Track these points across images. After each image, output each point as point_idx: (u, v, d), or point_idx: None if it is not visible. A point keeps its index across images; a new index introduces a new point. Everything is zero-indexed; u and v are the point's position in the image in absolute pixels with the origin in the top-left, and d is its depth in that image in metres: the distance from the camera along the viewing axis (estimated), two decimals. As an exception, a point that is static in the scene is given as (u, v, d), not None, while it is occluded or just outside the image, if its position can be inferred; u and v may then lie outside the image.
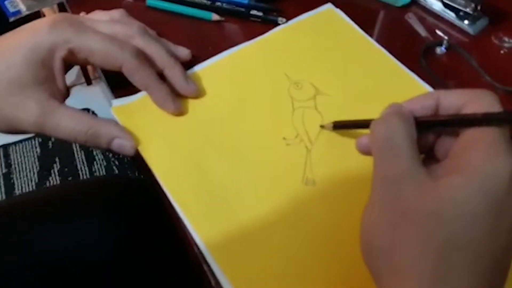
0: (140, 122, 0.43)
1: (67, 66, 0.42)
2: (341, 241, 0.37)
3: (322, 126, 0.43)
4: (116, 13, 0.46)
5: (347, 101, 0.46)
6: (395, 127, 0.31)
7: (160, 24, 0.51)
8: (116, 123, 0.42)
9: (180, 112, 0.44)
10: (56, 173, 1.46)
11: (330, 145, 0.42)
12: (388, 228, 0.28)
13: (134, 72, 0.41)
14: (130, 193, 0.62)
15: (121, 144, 0.41)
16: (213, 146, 0.42)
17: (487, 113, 0.29)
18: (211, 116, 0.44)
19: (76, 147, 1.51)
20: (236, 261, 0.36)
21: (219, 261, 0.36)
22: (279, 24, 0.52)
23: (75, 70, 1.68)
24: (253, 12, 0.52)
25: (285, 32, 0.51)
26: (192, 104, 0.45)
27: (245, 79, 0.47)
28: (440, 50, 0.52)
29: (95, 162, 1.47)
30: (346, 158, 0.41)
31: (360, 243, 0.31)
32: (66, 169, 1.47)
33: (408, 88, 0.47)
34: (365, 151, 0.35)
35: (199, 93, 0.45)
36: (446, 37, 0.53)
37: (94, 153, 1.49)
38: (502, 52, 0.52)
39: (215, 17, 0.52)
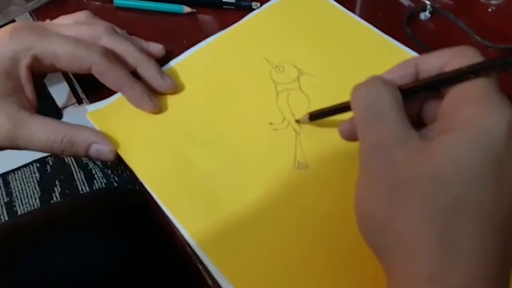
0: (118, 125, 0.41)
1: (36, 74, 0.40)
2: (340, 222, 0.35)
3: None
4: (81, 15, 0.44)
5: (332, 78, 0.43)
6: (379, 91, 0.28)
7: (130, 23, 0.49)
8: (92, 129, 0.40)
9: (158, 109, 0.41)
10: (58, 196, 1.45)
11: (319, 125, 0.40)
12: (384, 198, 0.26)
13: (104, 72, 0.39)
14: (124, 205, 0.61)
15: (99, 150, 0.39)
16: (198, 140, 0.40)
17: (472, 65, 0.27)
18: (192, 110, 0.42)
19: (74, 167, 1.49)
20: (231, 255, 0.34)
21: (212, 257, 0.34)
22: (253, 9, 0.50)
23: (66, 92, 1.66)
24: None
25: (261, 16, 0.49)
26: (171, 100, 0.43)
27: (224, 69, 0.45)
28: (424, 15, 0.49)
29: (95, 181, 1.45)
30: (337, 137, 0.39)
31: (356, 220, 0.28)
32: (67, 191, 1.45)
33: (395, 58, 0.43)
34: (350, 137, 0.32)
35: (176, 88, 0.43)
36: (428, 2, 0.50)
37: (93, 171, 1.47)
38: (489, 10, 0.50)
39: (186, 9, 0.50)
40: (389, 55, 0.45)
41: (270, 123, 0.41)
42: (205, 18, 0.51)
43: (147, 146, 0.40)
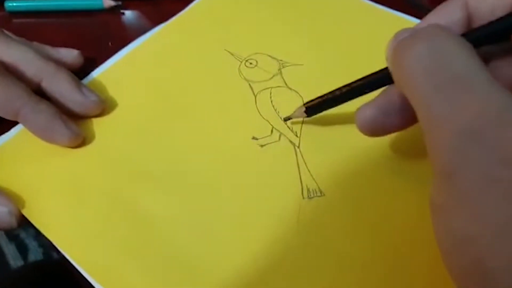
0: (20, 172, 0.27)
1: None
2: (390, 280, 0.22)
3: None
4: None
5: (326, 65, 0.31)
6: (449, 45, 0.17)
7: (33, 31, 0.36)
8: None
9: (80, 140, 0.27)
10: (-13, 276, 1.24)
11: (326, 129, 0.27)
12: None
13: None
14: (65, 280, 0.47)
15: (-8, 213, 0.24)
16: (148, 180, 0.26)
17: None
18: (133, 136, 0.28)
19: (2, 240, 1.29)
20: None
21: None
22: (202, -8, 0.37)
23: None
24: (161, -15, 0.37)
25: None
26: (98, 124, 0.29)
27: (171, 72, 0.31)
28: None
29: (29, 251, 1.26)
30: (356, 141, 0.26)
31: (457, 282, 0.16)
32: (-3, 269, 1.25)
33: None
34: (372, 129, 0.23)
35: (105, 106, 0.29)
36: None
37: (26, 241, 1.28)
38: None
39: (108, 3, 0.36)
40: (392, 28, 0.33)
41: (254, 138, 0.27)
42: (134, 12, 0.37)
43: (68, 199, 0.25)
